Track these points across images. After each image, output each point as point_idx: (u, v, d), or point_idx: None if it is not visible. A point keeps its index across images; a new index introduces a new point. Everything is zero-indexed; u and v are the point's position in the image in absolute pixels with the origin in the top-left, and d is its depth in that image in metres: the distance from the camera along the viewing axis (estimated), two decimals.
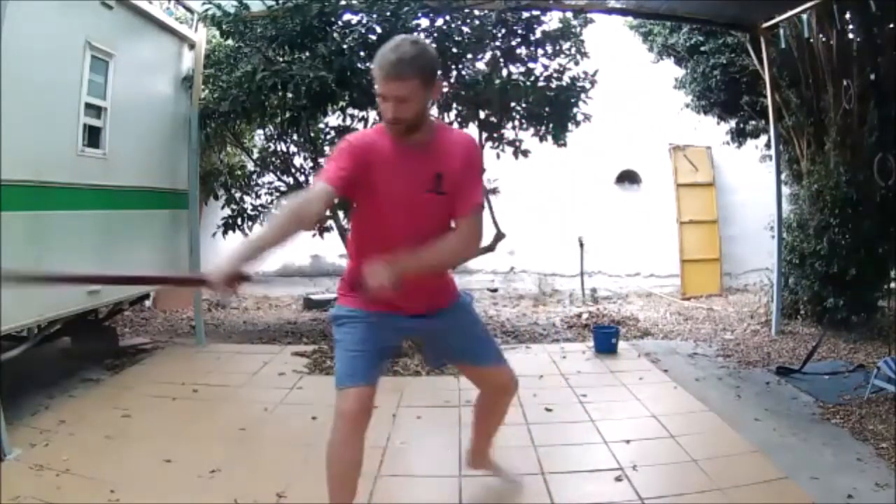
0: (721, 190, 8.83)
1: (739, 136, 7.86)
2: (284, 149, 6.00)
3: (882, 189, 5.34)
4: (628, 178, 9.07)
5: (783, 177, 6.48)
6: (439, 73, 2.08)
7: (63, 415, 3.64)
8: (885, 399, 3.82)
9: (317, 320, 6.64)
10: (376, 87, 1.99)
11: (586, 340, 5.71)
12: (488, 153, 5.69)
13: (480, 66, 5.46)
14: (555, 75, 5.38)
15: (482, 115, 5.53)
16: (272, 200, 6.10)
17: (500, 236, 5.85)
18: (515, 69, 5.43)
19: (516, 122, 5.57)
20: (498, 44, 5.39)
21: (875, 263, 5.54)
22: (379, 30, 4.99)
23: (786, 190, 6.54)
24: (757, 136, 7.71)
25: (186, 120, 5.47)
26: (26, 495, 2.64)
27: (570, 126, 5.55)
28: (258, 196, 6.26)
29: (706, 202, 8.77)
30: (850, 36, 5.88)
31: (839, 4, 5.40)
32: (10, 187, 3.32)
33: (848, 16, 5.74)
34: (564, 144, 5.67)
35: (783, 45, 5.99)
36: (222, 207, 6.29)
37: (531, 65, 5.43)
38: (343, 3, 5.15)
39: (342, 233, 5.58)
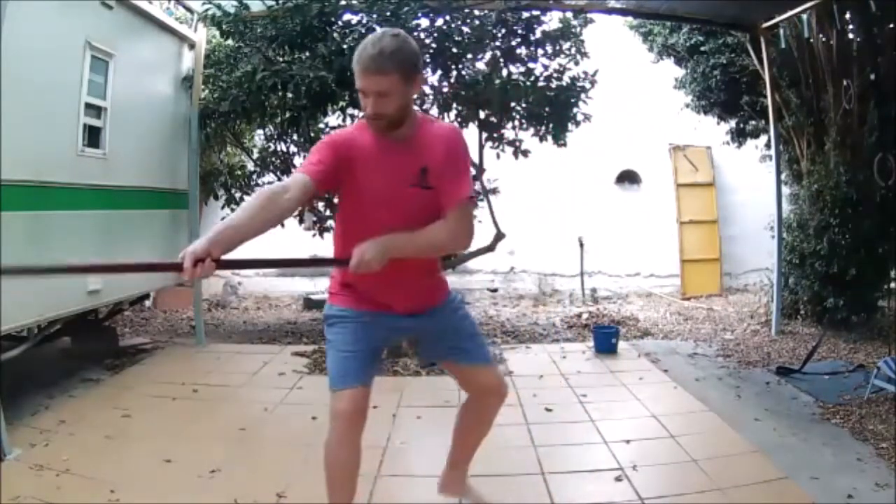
0: (721, 190, 8.83)
1: (739, 136, 7.85)
2: (284, 149, 6.00)
3: (882, 189, 5.34)
4: (628, 178, 9.07)
5: (783, 177, 6.48)
6: (421, 67, 2.03)
7: (63, 415, 3.64)
8: (885, 399, 3.82)
9: (317, 320, 6.64)
10: (356, 82, 1.95)
11: (586, 340, 5.71)
12: (488, 153, 5.70)
13: (480, 66, 5.46)
14: (555, 75, 5.39)
15: (482, 115, 5.53)
16: None
17: (500, 236, 5.85)
18: (515, 69, 5.43)
19: (516, 122, 5.58)
20: (498, 44, 5.39)
21: (875, 263, 5.54)
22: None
23: (786, 190, 6.54)
24: (757, 136, 7.71)
25: (186, 120, 5.47)
26: (26, 495, 2.64)
27: (570, 126, 5.56)
28: (260, 189, 6.26)
29: (706, 202, 8.77)
30: (850, 36, 5.88)
31: (839, 4, 5.40)
32: (10, 187, 3.32)
33: (848, 16, 5.74)
34: (564, 144, 5.68)
35: (783, 45, 5.99)
36: (222, 207, 6.28)
37: (531, 65, 5.44)
38: (343, 3, 5.16)
39: None
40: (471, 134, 5.49)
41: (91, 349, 4.87)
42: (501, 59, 5.43)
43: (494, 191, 6.30)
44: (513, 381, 4.48)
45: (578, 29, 5.52)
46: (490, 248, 5.87)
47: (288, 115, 5.46)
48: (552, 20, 5.52)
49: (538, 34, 5.38)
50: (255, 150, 6.51)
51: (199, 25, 5.58)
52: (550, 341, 5.87)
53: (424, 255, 2.09)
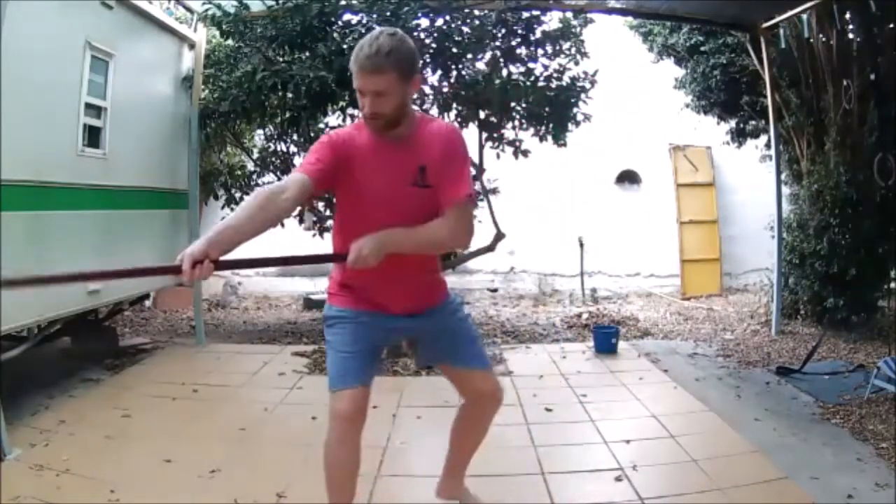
0: (721, 190, 8.83)
1: (739, 136, 7.85)
2: (284, 149, 6.01)
3: (882, 189, 5.34)
4: (628, 178, 9.07)
5: (783, 177, 6.48)
6: (419, 66, 2.02)
7: (63, 415, 3.64)
8: (885, 399, 3.82)
9: (317, 320, 6.64)
10: (354, 82, 1.93)
11: (586, 340, 5.71)
12: (488, 153, 5.70)
13: (480, 66, 5.46)
14: (555, 75, 5.39)
15: (482, 115, 5.53)
16: None
17: (500, 236, 5.85)
18: (515, 69, 5.43)
19: (516, 122, 5.58)
20: (498, 44, 5.40)
21: (875, 263, 5.54)
22: None
23: (786, 190, 6.54)
24: (757, 136, 7.71)
25: (186, 120, 5.47)
26: (26, 495, 2.64)
27: (570, 126, 5.56)
28: (258, 189, 6.25)
29: (706, 202, 8.77)
30: (850, 36, 5.88)
31: (839, 4, 5.40)
32: (10, 187, 3.32)
33: (848, 16, 5.74)
34: (564, 144, 5.68)
35: (783, 45, 5.99)
36: (222, 207, 6.29)
37: (531, 65, 5.44)
38: (343, 3, 5.16)
39: None
40: (471, 134, 5.49)
41: (91, 349, 4.87)
42: (501, 59, 5.43)
43: (494, 191, 6.30)
44: (513, 381, 4.49)
45: (578, 29, 5.53)
46: (490, 248, 5.87)
47: (288, 115, 5.46)
48: (552, 20, 5.53)
49: (538, 34, 5.38)
50: (255, 150, 6.51)
51: (199, 25, 5.58)
52: (550, 341, 5.87)
53: (423, 251, 2.09)
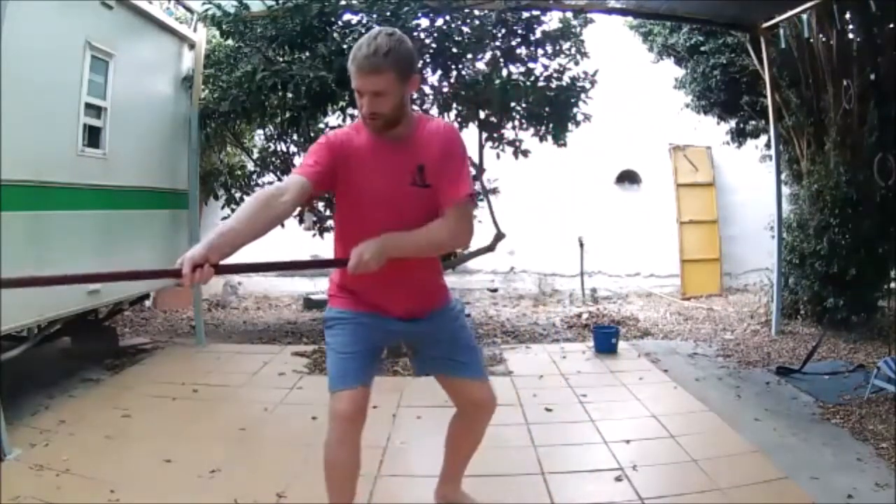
0: (721, 190, 8.83)
1: (739, 136, 7.86)
2: (284, 149, 6.01)
3: (882, 189, 5.34)
4: (628, 178, 9.07)
5: (783, 177, 6.48)
6: (417, 66, 2.02)
7: (63, 415, 3.64)
8: (885, 399, 3.82)
9: (317, 320, 6.64)
10: (352, 82, 1.93)
11: (586, 340, 5.71)
12: (488, 153, 5.70)
13: (480, 66, 5.47)
14: (555, 75, 5.39)
15: (482, 115, 5.53)
16: None
17: (500, 236, 5.85)
18: (515, 69, 5.44)
19: (516, 122, 5.58)
20: (498, 44, 5.40)
21: (875, 263, 5.54)
22: None
23: (786, 190, 6.54)
24: (757, 136, 7.71)
25: (186, 120, 5.47)
26: (26, 495, 2.64)
27: (570, 126, 5.56)
28: (257, 192, 6.26)
29: (706, 202, 8.77)
30: (850, 36, 5.88)
31: (839, 4, 5.40)
32: (10, 187, 3.32)
33: (848, 16, 5.74)
34: (564, 144, 5.68)
35: (783, 45, 5.99)
36: (222, 207, 6.29)
37: (531, 65, 5.44)
38: (343, 3, 5.16)
39: None
40: (471, 134, 5.50)
41: (91, 349, 4.87)
42: (501, 59, 5.43)
43: (494, 191, 6.31)
44: (513, 381, 4.49)
45: (578, 29, 5.53)
46: (490, 248, 5.87)
47: (288, 115, 5.46)
48: (552, 20, 5.53)
49: (538, 34, 5.38)
50: (255, 150, 6.52)
51: (199, 25, 5.58)
52: (550, 341, 5.87)
53: (424, 253, 2.09)
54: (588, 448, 3.34)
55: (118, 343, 5.22)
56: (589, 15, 5.65)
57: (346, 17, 5.25)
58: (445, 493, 2.51)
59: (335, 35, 5.11)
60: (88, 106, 4.14)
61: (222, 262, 1.74)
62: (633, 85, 8.07)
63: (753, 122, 7.57)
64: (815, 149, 6.13)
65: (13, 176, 3.35)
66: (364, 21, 5.11)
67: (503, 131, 5.61)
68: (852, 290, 5.60)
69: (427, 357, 2.30)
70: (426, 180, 2.00)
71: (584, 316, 6.79)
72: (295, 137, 5.91)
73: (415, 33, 5.00)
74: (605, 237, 8.61)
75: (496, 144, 5.61)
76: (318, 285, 8.04)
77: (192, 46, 5.56)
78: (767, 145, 7.16)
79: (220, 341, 5.76)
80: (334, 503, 2.15)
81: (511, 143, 5.60)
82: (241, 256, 1.80)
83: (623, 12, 6.62)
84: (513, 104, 5.36)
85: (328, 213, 5.84)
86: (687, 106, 7.92)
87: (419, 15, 5.10)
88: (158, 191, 5.12)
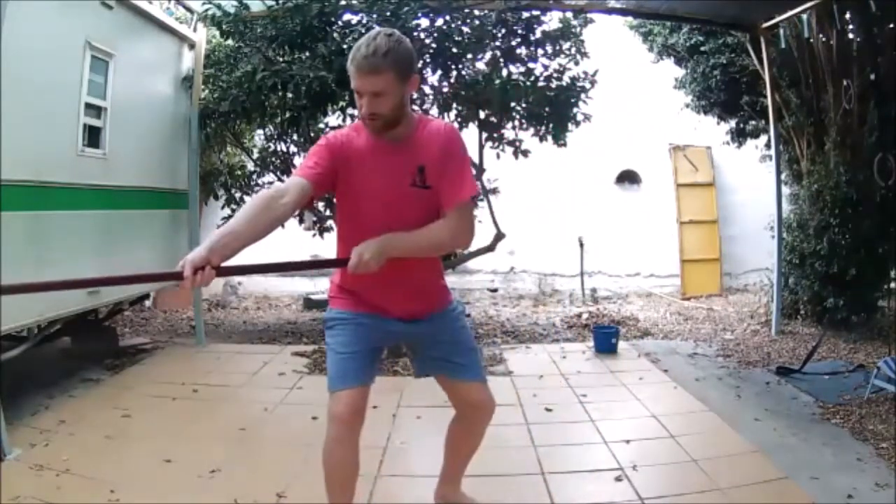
0: (721, 190, 8.83)
1: (739, 136, 7.86)
2: (284, 149, 6.00)
3: (882, 189, 5.34)
4: (628, 178, 9.07)
5: (783, 177, 6.48)
6: (416, 66, 2.02)
7: (63, 415, 3.64)
8: (885, 399, 3.82)
9: (317, 320, 6.64)
10: (352, 82, 1.93)
11: (586, 340, 5.71)
12: (488, 153, 5.70)
13: (480, 66, 5.46)
14: (555, 75, 5.39)
15: (482, 115, 5.53)
16: None
17: (500, 236, 5.85)
18: (515, 69, 5.43)
19: (516, 122, 5.58)
20: (498, 44, 5.40)
21: (875, 263, 5.54)
22: None
23: (786, 190, 6.54)
24: (757, 136, 7.71)
25: (186, 120, 5.47)
26: (26, 495, 2.64)
27: (570, 126, 5.56)
28: (257, 194, 6.26)
29: (706, 202, 8.77)
30: (850, 36, 5.88)
31: (839, 4, 5.40)
32: (10, 187, 3.32)
33: (848, 16, 5.74)
34: (564, 144, 5.68)
35: (783, 45, 5.99)
36: (222, 207, 6.29)
37: (531, 65, 5.44)
38: (343, 3, 5.15)
39: None
40: (471, 134, 5.49)
41: (91, 349, 4.87)
42: (501, 59, 5.43)
43: (494, 191, 6.30)
44: (513, 381, 4.49)
45: (578, 29, 5.53)
46: (490, 248, 5.87)
47: (288, 115, 5.46)
48: (552, 20, 5.53)
49: (538, 34, 5.38)
50: (255, 150, 6.51)
51: (199, 25, 5.58)
52: (550, 341, 5.87)
53: (425, 254, 2.09)
54: (588, 448, 3.34)
55: (118, 343, 5.22)
56: (589, 15, 5.64)
57: (346, 17, 5.25)
58: (445, 493, 2.52)
59: (335, 35, 5.10)
60: (88, 106, 4.14)
61: (223, 265, 1.75)
62: (633, 85, 8.06)
63: (753, 122, 7.57)
64: (815, 149, 6.13)
65: (13, 176, 3.35)
66: (364, 21, 5.11)
67: (503, 131, 5.61)
68: (852, 290, 5.59)
69: (427, 358, 2.29)
70: (427, 181, 2.00)
71: (584, 316, 6.79)
72: (295, 137, 5.90)
73: (415, 33, 5.00)
74: (605, 237, 8.61)
75: (496, 144, 5.61)
76: (319, 285, 8.04)
77: (192, 46, 5.56)
78: (767, 145, 7.16)
79: (220, 341, 5.76)
80: (334, 503, 2.15)
81: (511, 143, 5.60)
82: (241, 257, 1.80)
83: (623, 12, 6.62)
84: (513, 104, 5.36)
85: (328, 212, 5.84)
86: (687, 106, 7.92)
87: (419, 15, 5.09)
88: (158, 191, 5.12)
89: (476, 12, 5.28)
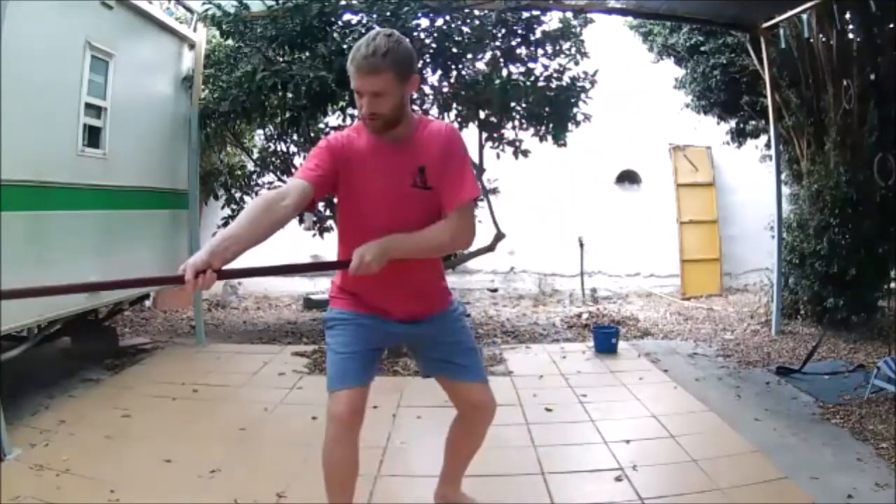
0: (721, 190, 8.83)
1: (739, 136, 7.85)
2: (284, 149, 6.00)
3: (882, 189, 5.34)
4: (628, 178, 9.07)
5: (783, 177, 6.48)
6: (416, 66, 2.02)
7: (63, 415, 3.64)
8: (885, 399, 3.82)
9: (317, 320, 6.64)
10: (352, 83, 1.93)
11: (586, 340, 5.71)
12: (488, 153, 5.70)
13: (480, 66, 5.47)
14: (555, 75, 5.39)
15: (482, 115, 5.53)
16: None
17: (500, 236, 5.85)
18: (515, 69, 5.44)
19: (516, 122, 5.58)
20: (498, 44, 5.40)
21: (875, 263, 5.54)
22: None
23: (786, 190, 6.54)
24: (757, 136, 7.71)
25: (186, 120, 5.47)
26: (26, 495, 2.64)
27: (570, 126, 5.56)
28: (258, 196, 6.26)
29: (706, 202, 8.77)
30: (850, 36, 5.88)
31: (839, 4, 5.40)
32: (10, 187, 3.32)
33: (848, 16, 5.74)
34: (564, 144, 5.68)
35: (783, 45, 5.99)
36: (222, 207, 6.29)
37: (531, 65, 5.44)
38: (343, 3, 5.16)
39: None
40: (471, 134, 5.49)
41: (91, 349, 4.87)
42: (501, 59, 5.43)
43: (494, 191, 6.30)
44: (513, 381, 4.49)
45: (578, 29, 5.53)
46: (490, 248, 5.87)
47: (288, 115, 5.46)
48: (552, 20, 5.53)
49: (538, 34, 5.38)
50: (255, 150, 6.51)
51: (199, 25, 5.58)
52: (550, 341, 5.87)
53: (426, 255, 2.09)
54: (588, 448, 3.34)
55: (118, 343, 5.22)
56: (589, 15, 5.64)
57: (346, 17, 5.25)
58: (445, 493, 2.52)
59: (335, 35, 5.11)
60: (88, 106, 4.14)
61: (224, 268, 1.75)
62: (633, 85, 8.07)
63: (753, 122, 7.56)
64: (815, 149, 6.13)
65: (13, 176, 3.35)
66: (364, 21, 5.11)
67: (503, 131, 5.61)
68: (852, 290, 5.60)
69: (427, 359, 2.30)
70: (427, 182, 2.01)
71: (584, 316, 6.79)
72: (295, 137, 5.90)
73: (415, 33, 5.00)
74: (605, 237, 8.61)
75: (496, 144, 5.61)
76: (319, 285, 8.04)
77: (192, 46, 5.56)
78: (767, 145, 7.16)
79: (220, 341, 5.76)
80: (334, 503, 2.15)
81: (511, 143, 5.60)
82: (243, 258, 1.81)
83: (623, 12, 6.62)
84: (513, 104, 5.36)
85: (328, 213, 5.84)
86: (687, 106, 7.92)
87: (419, 15, 5.10)
88: (158, 191, 5.12)
89: (476, 12, 5.28)
